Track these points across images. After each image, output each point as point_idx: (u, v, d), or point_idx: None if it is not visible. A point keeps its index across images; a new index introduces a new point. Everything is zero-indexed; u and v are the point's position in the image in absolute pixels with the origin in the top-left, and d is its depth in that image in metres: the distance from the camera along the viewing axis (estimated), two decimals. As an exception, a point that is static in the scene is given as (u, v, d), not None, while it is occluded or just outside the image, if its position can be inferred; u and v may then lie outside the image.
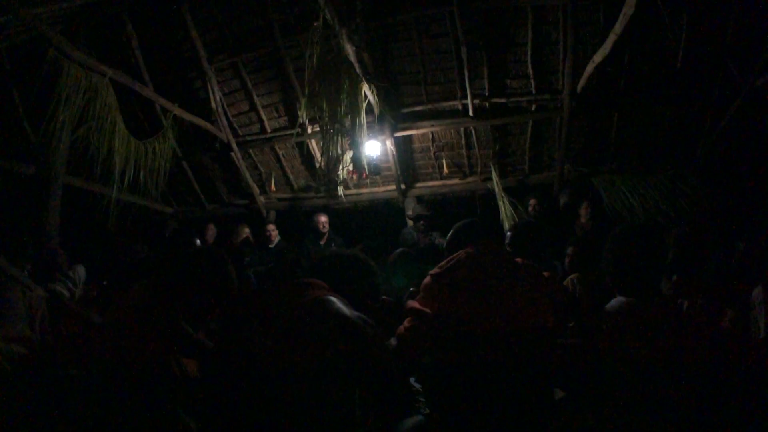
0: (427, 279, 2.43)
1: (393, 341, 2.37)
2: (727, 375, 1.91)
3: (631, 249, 2.19)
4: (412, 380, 2.76)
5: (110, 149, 5.60)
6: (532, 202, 6.73)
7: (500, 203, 7.11)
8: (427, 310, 2.30)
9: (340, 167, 6.25)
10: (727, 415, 1.86)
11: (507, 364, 2.11)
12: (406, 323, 2.37)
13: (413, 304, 2.39)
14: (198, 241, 3.32)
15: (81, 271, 4.50)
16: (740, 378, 1.94)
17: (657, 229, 2.36)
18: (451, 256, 2.43)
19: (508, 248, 3.48)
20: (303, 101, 6.90)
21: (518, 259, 2.51)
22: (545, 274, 2.51)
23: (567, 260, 4.49)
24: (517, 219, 6.82)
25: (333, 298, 2.01)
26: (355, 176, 6.56)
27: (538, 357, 2.14)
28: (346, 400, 1.90)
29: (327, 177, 6.77)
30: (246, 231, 7.39)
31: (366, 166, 6.10)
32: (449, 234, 2.77)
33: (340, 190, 6.82)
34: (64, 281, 4.23)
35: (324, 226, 6.94)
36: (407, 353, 2.32)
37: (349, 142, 5.71)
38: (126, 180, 5.94)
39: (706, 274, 3.62)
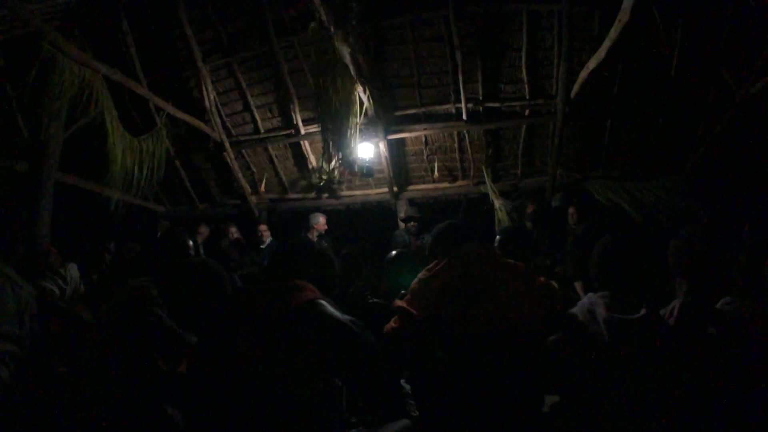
0: (415, 284, 2.42)
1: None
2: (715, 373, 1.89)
3: (616, 259, 2.14)
4: (402, 382, 2.74)
5: (104, 145, 5.58)
6: (529, 207, 6.72)
7: (494, 202, 7.16)
8: (413, 311, 2.29)
9: (334, 168, 6.26)
10: (719, 415, 1.85)
11: (496, 366, 2.11)
12: (392, 322, 2.37)
13: (401, 303, 2.39)
14: (190, 242, 3.28)
15: (74, 270, 4.48)
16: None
17: (644, 238, 2.31)
18: (438, 260, 2.42)
19: (498, 251, 3.46)
20: (297, 102, 6.96)
21: (510, 261, 2.49)
22: (541, 279, 2.45)
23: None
24: (513, 221, 6.85)
25: (323, 302, 2.00)
26: (346, 175, 6.56)
27: (528, 358, 2.13)
28: (334, 401, 1.91)
29: (320, 178, 6.76)
30: (233, 231, 7.31)
31: (357, 166, 6.11)
32: (430, 236, 2.73)
33: (343, 190, 6.74)
34: (54, 279, 4.21)
35: (324, 227, 6.87)
36: (393, 352, 2.33)
37: (341, 143, 5.72)
38: (120, 176, 5.91)
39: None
